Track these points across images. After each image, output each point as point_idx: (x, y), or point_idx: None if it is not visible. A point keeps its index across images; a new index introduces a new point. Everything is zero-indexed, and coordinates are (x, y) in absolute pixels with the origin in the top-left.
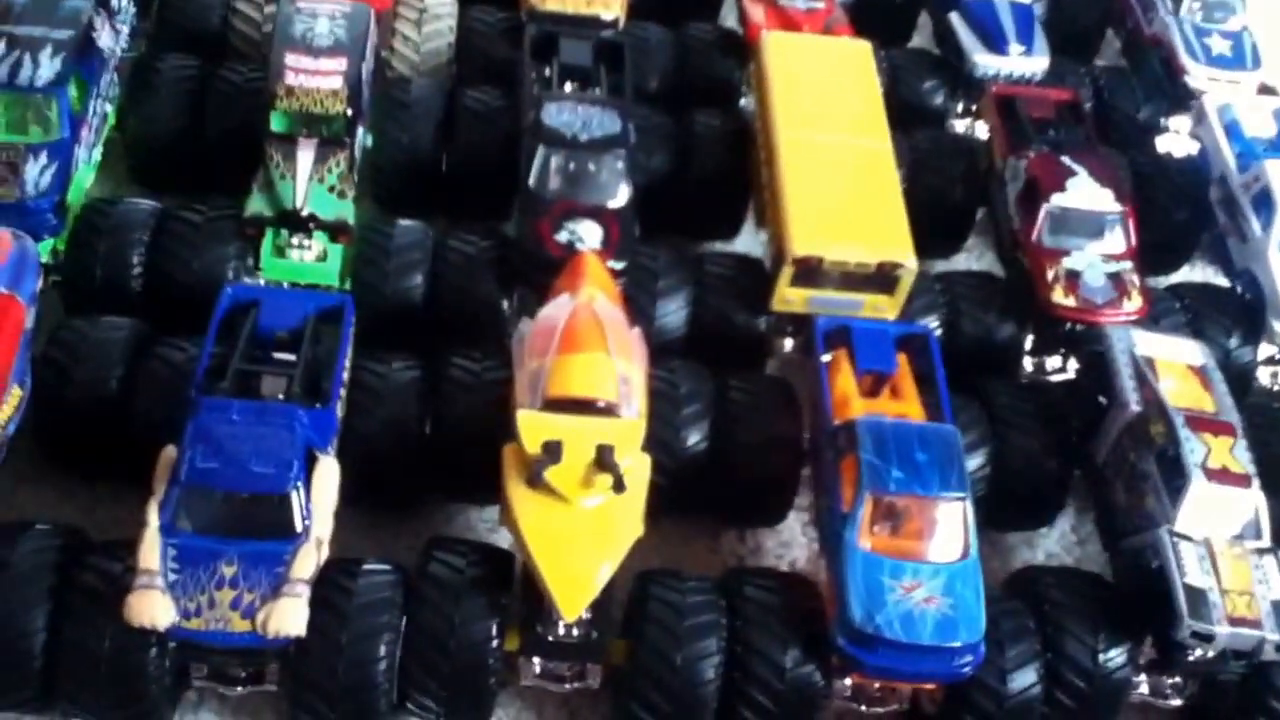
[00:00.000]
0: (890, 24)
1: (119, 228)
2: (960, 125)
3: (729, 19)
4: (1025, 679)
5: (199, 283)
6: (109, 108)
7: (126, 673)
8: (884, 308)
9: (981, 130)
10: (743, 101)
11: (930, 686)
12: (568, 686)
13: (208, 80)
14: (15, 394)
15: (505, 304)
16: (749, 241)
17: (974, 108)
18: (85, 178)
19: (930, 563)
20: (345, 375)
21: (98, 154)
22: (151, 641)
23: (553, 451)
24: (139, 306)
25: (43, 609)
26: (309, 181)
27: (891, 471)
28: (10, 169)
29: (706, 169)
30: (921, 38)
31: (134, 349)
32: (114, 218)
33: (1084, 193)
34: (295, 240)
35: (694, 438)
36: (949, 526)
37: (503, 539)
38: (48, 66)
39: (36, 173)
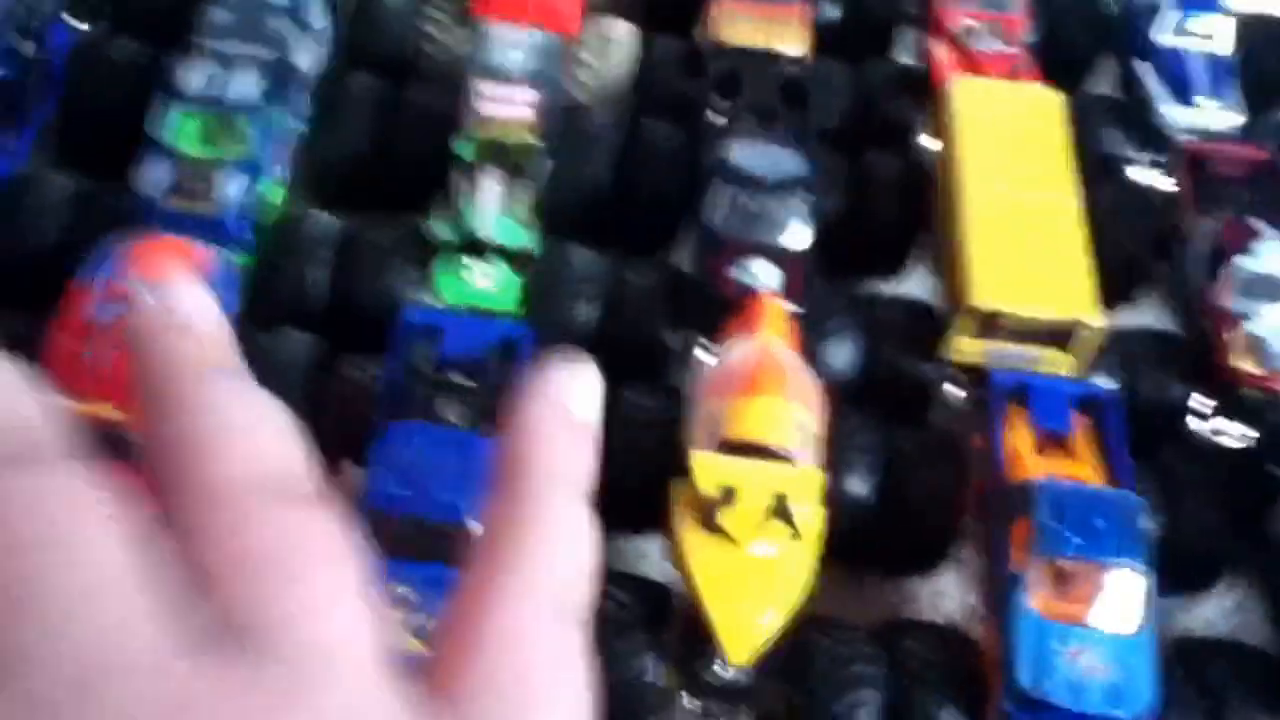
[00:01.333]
0: (1069, 68)
1: (306, 246)
2: (1139, 175)
3: (900, 53)
4: None
5: (379, 304)
6: (302, 126)
7: None
8: (1061, 364)
9: (1162, 182)
10: (922, 145)
11: None
12: None
13: (396, 102)
14: None
15: (674, 341)
16: (914, 287)
17: (1157, 159)
18: (276, 195)
19: (1102, 630)
20: None
21: (287, 172)
22: None
23: (728, 496)
24: (320, 325)
25: None
26: (495, 210)
27: (1067, 536)
28: (209, 184)
29: (880, 212)
30: (1102, 82)
31: (316, 367)
32: (301, 236)
33: (1273, 257)
34: (475, 267)
35: (859, 489)
36: (1124, 595)
37: (649, 569)
38: (249, 84)
39: (233, 190)
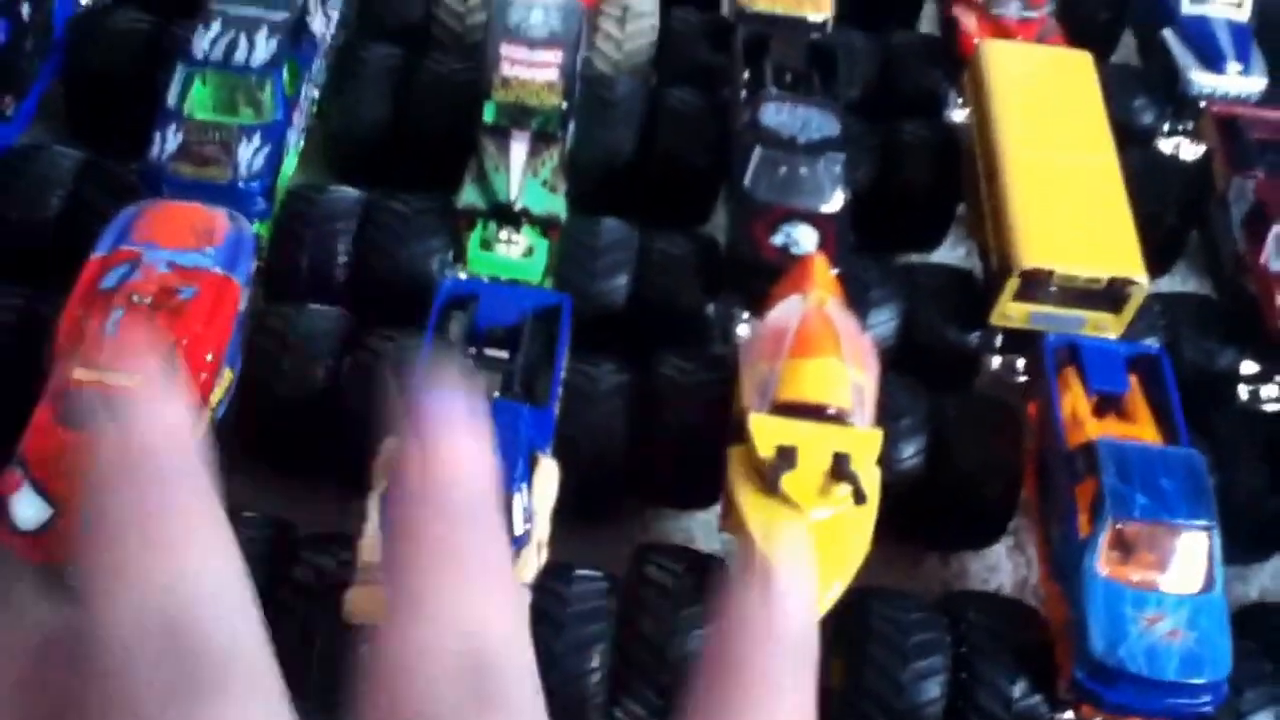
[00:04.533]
0: (1092, 40)
1: (325, 216)
2: (1166, 145)
3: (924, 24)
4: None
5: (404, 275)
6: (316, 93)
7: (336, 672)
8: (1107, 326)
9: (1187, 150)
10: (948, 113)
11: None
12: None
13: (412, 70)
14: (227, 376)
15: (710, 309)
16: (943, 255)
17: (1183, 128)
18: (291, 164)
19: (1174, 594)
20: (563, 375)
21: (302, 140)
22: (363, 640)
23: (788, 457)
24: (342, 297)
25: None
26: (523, 174)
27: (1136, 497)
28: (223, 149)
29: (913, 181)
30: (1122, 54)
31: (343, 338)
32: (320, 205)
33: None
34: (503, 235)
35: (908, 454)
36: (1195, 556)
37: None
38: (263, 48)
39: (249, 155)
